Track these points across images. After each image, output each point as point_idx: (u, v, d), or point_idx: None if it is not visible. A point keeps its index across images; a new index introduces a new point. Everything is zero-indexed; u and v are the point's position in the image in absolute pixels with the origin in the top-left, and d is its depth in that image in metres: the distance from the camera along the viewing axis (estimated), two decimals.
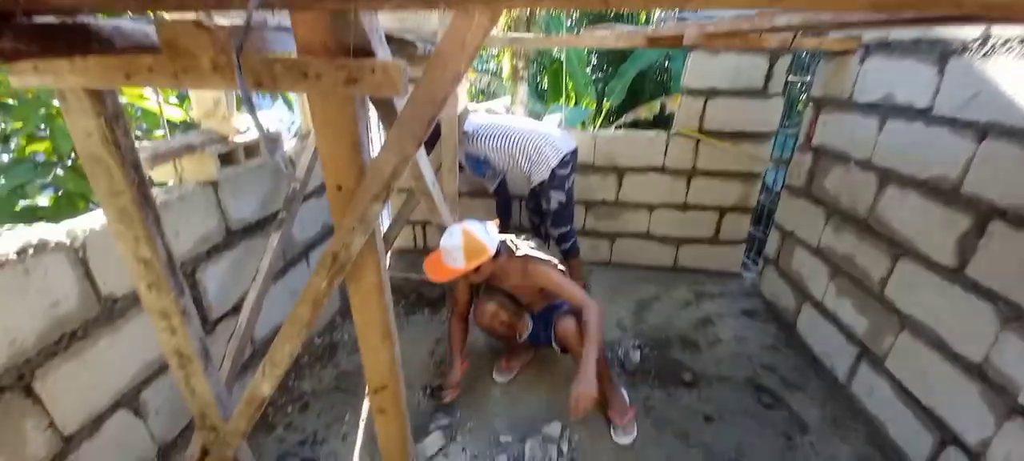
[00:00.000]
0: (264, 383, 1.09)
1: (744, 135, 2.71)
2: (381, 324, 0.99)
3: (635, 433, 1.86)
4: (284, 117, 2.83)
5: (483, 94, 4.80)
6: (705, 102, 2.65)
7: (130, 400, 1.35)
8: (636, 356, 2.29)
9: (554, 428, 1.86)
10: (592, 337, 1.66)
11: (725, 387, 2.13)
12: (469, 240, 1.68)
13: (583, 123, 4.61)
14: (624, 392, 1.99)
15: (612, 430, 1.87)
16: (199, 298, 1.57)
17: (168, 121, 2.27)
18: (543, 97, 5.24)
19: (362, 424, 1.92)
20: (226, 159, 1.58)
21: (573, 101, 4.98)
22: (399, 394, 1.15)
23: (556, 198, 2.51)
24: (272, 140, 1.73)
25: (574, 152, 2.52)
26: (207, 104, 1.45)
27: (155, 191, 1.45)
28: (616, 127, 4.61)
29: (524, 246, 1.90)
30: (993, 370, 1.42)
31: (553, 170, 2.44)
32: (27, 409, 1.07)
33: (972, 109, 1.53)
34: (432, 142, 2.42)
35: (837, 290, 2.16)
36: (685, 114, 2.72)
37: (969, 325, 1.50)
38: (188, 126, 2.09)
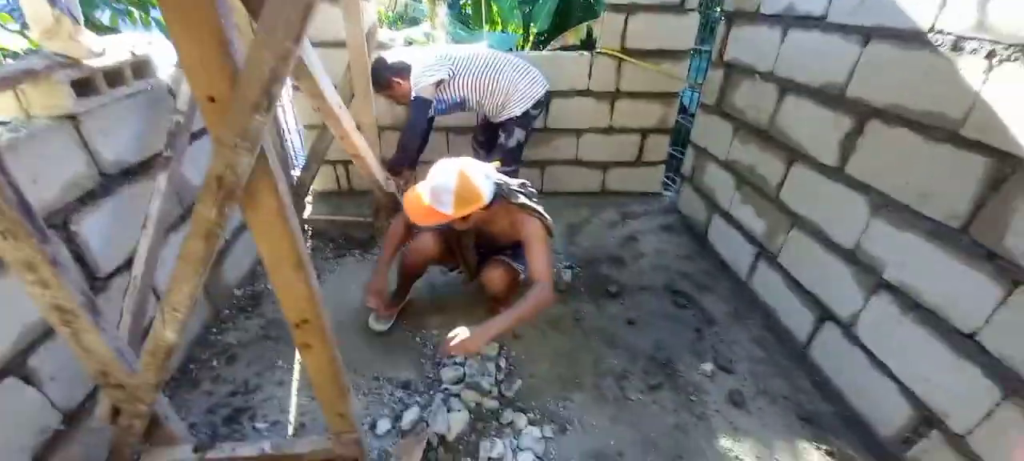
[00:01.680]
0: (166, 329, 1.01)
1: (663, 53, 2.76)
2: (290, 254, 0.93)
3: None
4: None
5: (401, 20, 4.45)
6: (626, 19, 2.63)
7: (17, 367, 1.21)
8: (568, 275, 2.41)
9: (492, 348, 1.93)
10: (518, 311, 1.52)
11: (646, 295, 2.32)
12: (464, 184, 1.49)
13: (511, 49, 4.45)
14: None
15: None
16: (80, 252, 1.38)
17: (3, 52, 1.89)
18: (467, 22, 4.96)
19: (297, 367, 1.88)
20: (83, 88, 1.34)
21: (498, 26, 4.77)
22: (323, 326, 1.12)
23: (516, 136, 2.46)
24: (141, 63, 1.49)
25: (547, 93, 2.47)
26: (46, 20, 1.19)
27: None
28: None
29: (521, 193, 1.73)
30: (862, 253, 1.65)
31: (527, 110, 2.38)
32: None
33: (861, 14, 1.64)
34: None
35: (741, 199, 2.36)
36: (608, 32, 2.70)
37: (845, 216, 1.71)
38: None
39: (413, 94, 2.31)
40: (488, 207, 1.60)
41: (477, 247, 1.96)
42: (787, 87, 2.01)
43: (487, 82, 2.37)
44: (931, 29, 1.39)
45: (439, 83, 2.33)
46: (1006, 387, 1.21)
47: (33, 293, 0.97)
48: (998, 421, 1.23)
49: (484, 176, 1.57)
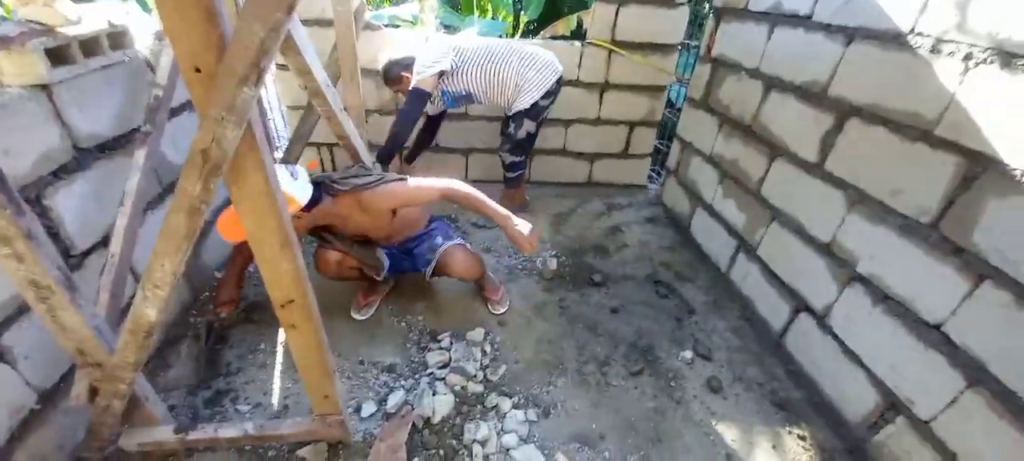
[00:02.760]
0: (147, 306, 0.99)
1: (652, 47, 2.77)
2: (276, 232, 0.92)
3: (508, 304, 2.13)
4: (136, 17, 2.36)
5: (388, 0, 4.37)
6: (617, 10, 2.64)
7: None
8: (553, 264, 2.42)
9: (478, 333, 1.95)
10: (478, 198, 1.64)
11: (629, 284, 2.35)
12: None
13: (500, 36, 4.41)
14: (494, 276, 2.20)
15: (490, 306, 2.11)
16: (54, 228, 1.34)
17: None
18: (456, 6, 4.88)
19: (280, 349, 1.87)
20: (57, 57, 1.29)
21: (488, 13, 4.70)
22: (308, 306, 1.11)
23: (526, 128, 2.40)
24: (119, 34, 1.44)
25: (559, 79, 2.39)
26: None
27: None
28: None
29: (348, 180, 1.69)
30: (838, 247, 1.70)
31: (536, 101, 2.32)
32: None
33: (845, 14, 1.67)
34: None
35: (723, 192, 2.40)
36: (599, 23, 2.70)
37: (823, 211, 1.76)
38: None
39: (412, 85, 2.25)
40: (311, 208, 1.56)
41: (362, 242, 1.90)
42: (772, 84, 2.05)
43: (492, 75, 2.31)
44: (911, 31, 1.43)
45: (441, 75, 2.27)
46: (969, 376, 1.27)
47: (8, 267, 0.94)
48: (962, 408, 1.29)
49: (290, 178, 1.52)
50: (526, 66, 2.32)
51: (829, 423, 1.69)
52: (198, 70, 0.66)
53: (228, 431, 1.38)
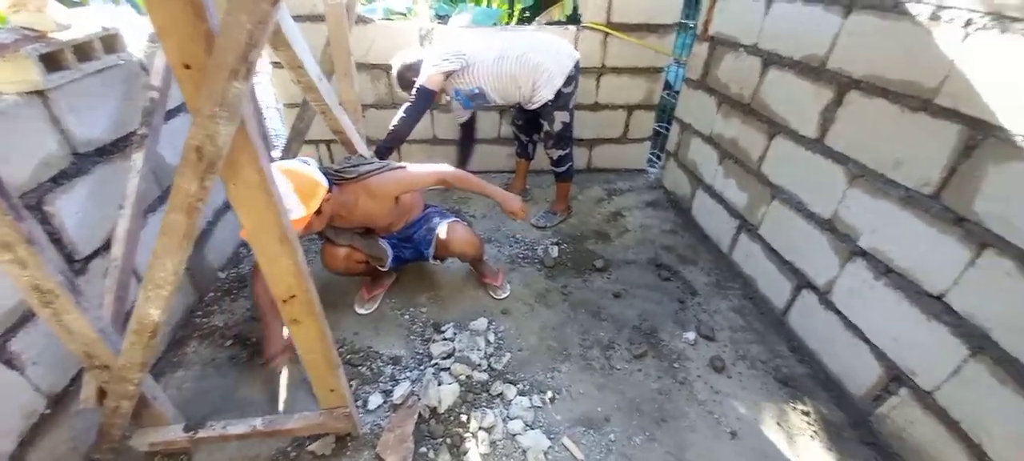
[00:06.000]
0: (149, 306, 1.00)
1: (648, 27, 2.75)
2: (274, 227, 0.92)
3: (508, 289, 2.17)
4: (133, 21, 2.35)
5: None
6: None
7: None
8: (554, 251, 2.43)
9: (480, 323, 1.96)
10: (471, 179, 1.83)
11: (631, 268, 2.36)
12: (299, 180, 1.45)
13: (494, 24, 4.38)
14: (491, 262, 2.28)
15: (491, 292, 2.15)
16: (56, 234, 1.35)
17: None
18: None
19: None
20: (52, 63, 1.28)
21: (482, 1, 4.66)
22: (310, 301, 1.12)
23: (560, 118, 2.33)
24: (111, 37, 1.43)
25: (577, 64, 2.30)
26: None
27: None
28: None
29: (353, 169, 1.73)
30: (840, 222, 1.69)
31: (559, 90, 2.24)
32: None
33: None
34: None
35: (724, 173, 2.39)
36: (593, 6, 2.67)
37: (824, 186, 1.75)
38: None
39: (418, 83, 2.22)
40: (329, 193, 1.58)
41: (365, 233, 1.91)
42: (770, 60, 2.02)
43: (504, 72, 2.24)
44: None
45: (449, 75, 2.24)
46: (971, 345, 1.27)
47: (11, 273, 0.95)
48: (964, 377, 1.29)
49: (306, 165, 1.56)
50: (540, 55, 2.23)
51: (833, 397, 1.69)
52: (188, 66, 0.66)
53: (237, 428, 1.40)
